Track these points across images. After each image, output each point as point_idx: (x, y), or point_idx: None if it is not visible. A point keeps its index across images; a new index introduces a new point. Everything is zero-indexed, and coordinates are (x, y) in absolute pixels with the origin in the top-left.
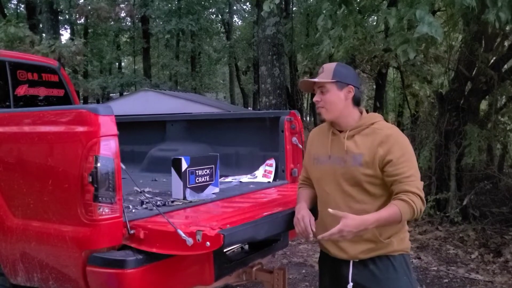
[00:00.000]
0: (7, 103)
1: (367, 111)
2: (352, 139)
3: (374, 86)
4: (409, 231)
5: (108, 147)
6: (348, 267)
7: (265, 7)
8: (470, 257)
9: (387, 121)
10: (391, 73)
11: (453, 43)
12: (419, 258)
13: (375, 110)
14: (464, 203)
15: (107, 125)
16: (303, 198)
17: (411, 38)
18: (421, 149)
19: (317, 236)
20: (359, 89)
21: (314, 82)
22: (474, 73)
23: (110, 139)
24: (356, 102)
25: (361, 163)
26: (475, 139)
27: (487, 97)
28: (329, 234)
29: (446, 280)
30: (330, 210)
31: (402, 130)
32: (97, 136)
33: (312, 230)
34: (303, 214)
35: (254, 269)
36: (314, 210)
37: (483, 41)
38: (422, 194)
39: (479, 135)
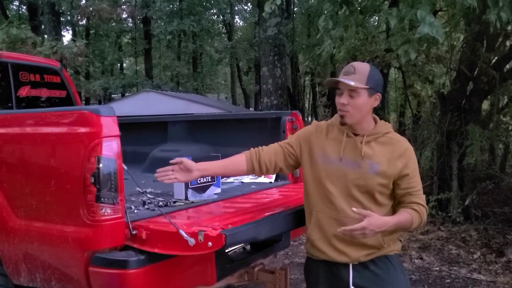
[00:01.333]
0: (10, 104)
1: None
2: (369, 146)
3: None
4: (410, 231)
5: (110, 148)
6: (348, 271)
7: (267, 8)
8: (472, 257)
9: (388, 121)
10: (393, 73)
11: (455, 43)
12: (421, 258)
13: (377, 110)
14: (466, 203)
15: (109, 126)
16: (227, 159)
17: (412, 38)
18: (423, 149)
19: (311, 239)
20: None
21: (339, 81)
22: (475, 73)
23: (112, 140)
24: (376, 109)
25: (378, 173)
26: (477, 139)
27: (489, 97)
28: (351, 229)
29: (448, 280)
30: (354, 209)
31: (404, 131)
32: (99, 137)
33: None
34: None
35: (256, 269)
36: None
37: (484, 41)
38: (426, 206)
39: (481, 135)
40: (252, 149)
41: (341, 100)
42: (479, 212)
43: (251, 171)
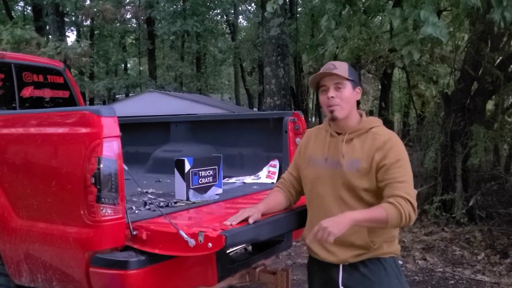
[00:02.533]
0: (13, 105)
1: (367, 114)
2: (351, 143)
3: (380, 87)
4: (414, 232)
5: (111, 149)
6: (338, 271)
7: (268, 8)
8: (477, 258)
9: (392, 122)
10: (397, 74)
11: (459, 43)
12: (425, 259)
13: (381, 110)
14: (470, 204)
15: (110, 127)
16: (266, 200)
17: (415, 39)
18: (427, 149)
19: (305, 240)
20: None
21: (321, 78)
22: (480, 73)
23: (113, 141)
24: (357, 104)
25: (358, 169)
26: (481, 140)
27: (493, 97)
28: (313, 235)
29: (452, 282)
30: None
31: (408, 131)
32: (100, 137)
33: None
34: (249, 209)
35: (257, 270)
36: (304, 213)
37: (489, 41)
38: (414, 201)
39: (485, 136)
40: (282, 185)
41: (329, 93)
42: (483, 213)
43: (289, 207)
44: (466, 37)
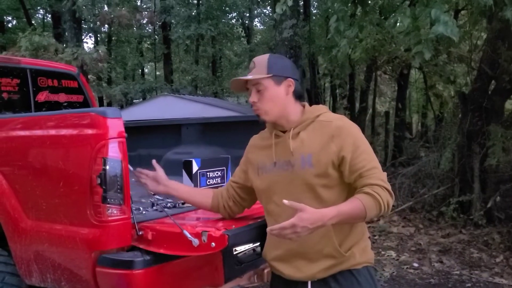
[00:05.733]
0: (29, 109)
1: (310, 105)
2: (298, 138)
3: (396, 87)
4: (430, 234)
5: (116, 149)
6: None
7: (278, 9)
8: (495, 260)
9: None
10: (414, 74)
11: (477, 42)
12: (441, 262)
13: (397, 111)
14: (489, 205)
15: (115, 128)
16: (198, 189)
17: (426, 38)
18: (443, 150)
19: (266, 259)
20: (299, 81)
21: (247, 81)
22: (497, 72)
23: (118, 141)
24: (298, 96)
25: (312, 164)
26: (499, 140)
27: (511, 96)
28: (280, 228)
29: (469, 285)
30: (285, 201)
31: (426, 132)
32: (106, 138)
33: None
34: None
35: (265, 271)
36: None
37: (506, 40)
38: (389, 186)
39: (503, 135)
40: (221, 187)
41: (250, 99)
42: (502, 215)
43: (215, 208)
44: (485, 36)
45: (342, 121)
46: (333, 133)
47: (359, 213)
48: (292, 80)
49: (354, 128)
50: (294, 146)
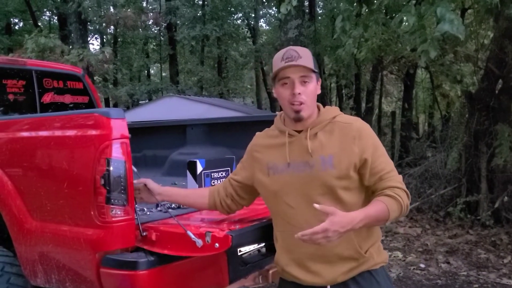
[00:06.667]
0: (35, 111)
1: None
2: (316, 139)
3: (403, 87)
4: (437, 235)
5: (120, 150)
6: None
7: (282, 9)
8: (503, 261)
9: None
10: (420, 74)
11: (484, 41)
12: (448, 262)
13: (404, 111)
14: (496, 205)
15: (119, 128)
16: (190, 190)
17: (431, 36)
18: (450, 150)
19: (280, 264)
20: None
21: (298, 67)
22: (504, 71)
23: (122, 142)
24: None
25: (333, 165)
26: (506, 139)
27: None
28: (311, 232)
29: (476, 286)
30: (316, 205)
31: (432, 132)
32: (109, 139)
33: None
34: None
35: (270, 271)
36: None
37: None
38: (405, 188)
39: (510, 135)
40: (218, 184)
41: (296, 89)
42: (510, 215)
43: (213, 206)
44: (491, 35)
45: (360, 122)
46: (355, 135)
47: (384, 215)
48: (320, 80)
49: (371, 130)
50: (312, 146)
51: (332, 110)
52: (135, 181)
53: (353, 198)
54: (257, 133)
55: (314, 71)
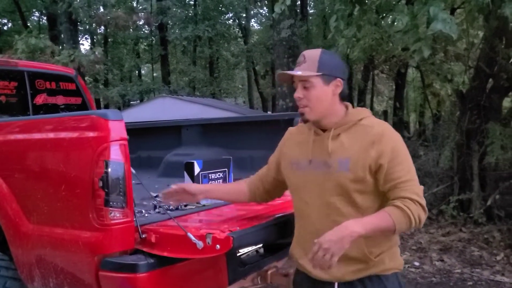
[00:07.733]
0: (27, 112)
1: (353, 106)
2: (338, 139)
3: (394, 87)
4: (431, 233)
5: (118, 152)
6: None
7: (276, 9)
8: (496, 258)
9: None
10: (411, 73)
11: (474, 40)
12: (442, 260)
13: (395, 110)
14: (489, 203)
15: (117, 130)
16: (229, 185)
17: (425, 36)
18: (442, 149)
19: (294, 257)
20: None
21: (291, 75)
22: (495, 70)
23: (120, 144)
24: (343, 96)
25: (348, 168)
26: (497, 138)
27: (510, 94)
28: (312, 255)
29: (470, 283)
30: (316, 241)
31: (424, 131)
32: (107, 141)
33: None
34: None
35: (269, 272)
36: (290, 224)
37: (503, 37)
38: (422, 201)
39: (501, 133)
40: (253, 177)
41: (296, 94)
42: (502, 213)
43: (252, 201)
44: (481, 34)
45: (384, 127)
46: (374, 139)
47: (387, 225)
48: (341, 80)
49: (396, 136)
50: (333, 147)
51: (360, 112)
52: (174, 186)
53: (367, 202)
54: (290, 128)
55: (318, 75)
